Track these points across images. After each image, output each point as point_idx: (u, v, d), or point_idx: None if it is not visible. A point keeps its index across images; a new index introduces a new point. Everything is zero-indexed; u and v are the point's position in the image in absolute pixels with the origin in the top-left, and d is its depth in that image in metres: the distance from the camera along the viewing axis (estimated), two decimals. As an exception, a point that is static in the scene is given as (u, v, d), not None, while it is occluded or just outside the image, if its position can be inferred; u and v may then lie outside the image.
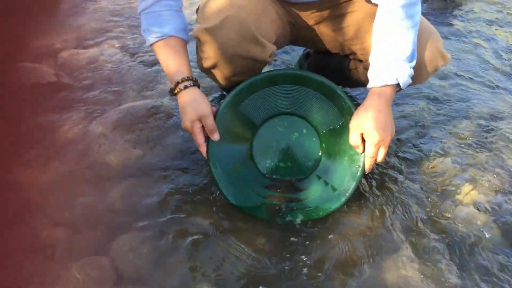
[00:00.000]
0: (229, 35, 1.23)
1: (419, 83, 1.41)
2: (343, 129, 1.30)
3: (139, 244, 1.20)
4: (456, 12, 2.27)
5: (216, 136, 1.27)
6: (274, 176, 1.34)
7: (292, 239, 1.23)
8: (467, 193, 1.40)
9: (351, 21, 1.40)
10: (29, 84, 1.59)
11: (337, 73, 1.59)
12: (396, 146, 1.54)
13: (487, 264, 1.20)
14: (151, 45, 1.33)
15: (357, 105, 1.29)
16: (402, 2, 1.22)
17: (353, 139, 1.24)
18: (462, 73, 1.90)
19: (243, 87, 1.32)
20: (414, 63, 1.23)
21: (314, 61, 1.73)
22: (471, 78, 1.88)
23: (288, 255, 1.19)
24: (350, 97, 1.36)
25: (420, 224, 1.29)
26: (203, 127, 1.26)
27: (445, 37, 2.07)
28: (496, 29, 2.16)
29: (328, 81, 1.33)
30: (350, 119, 1.25)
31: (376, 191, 1.38)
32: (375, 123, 1.20)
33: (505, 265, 1.22)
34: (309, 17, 1.47)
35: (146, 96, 1.66)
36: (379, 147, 1.22)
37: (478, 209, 1.35)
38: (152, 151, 1.45)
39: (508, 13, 2.28)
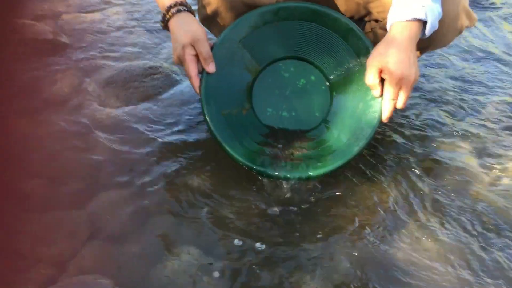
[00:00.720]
0: None
1: (442, 46, 1.28)
2: (359, 73, 1.13)
3: (121, 201, 1.10)
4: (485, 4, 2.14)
5: (211, 67, 1.11)
6: (276, 127, 1.19)
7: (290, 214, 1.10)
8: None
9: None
10: (24, 39, 1.51)
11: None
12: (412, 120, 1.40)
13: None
14: None
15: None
16: None
17: (370, 77, 1.06)
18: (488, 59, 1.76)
19: (246, 18, 1.15)
20: (440, 8, 1.07)
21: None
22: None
23: (283, 231, 1.07)
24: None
25: (428, 205, 1.15)
26: (196, 56, 1.10)
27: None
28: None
29: (344, 17, 1.17)
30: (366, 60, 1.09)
31: (384, 167, 1.24)
32: (397, 58, 1.02)
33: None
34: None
35: (146, 58, 1.56)
36: (400, 88, 1.05)
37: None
38: (145, 109, 1.34)
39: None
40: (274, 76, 1.20)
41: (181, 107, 1.37)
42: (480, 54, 1.77)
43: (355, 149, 1.10)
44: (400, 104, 1.06)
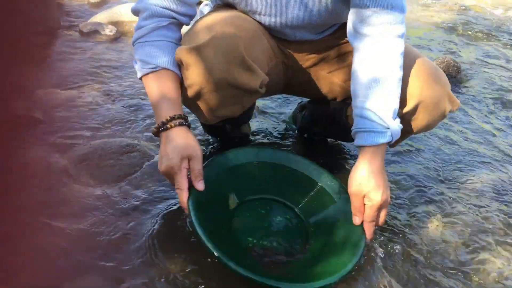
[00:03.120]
0: (215, 56, 1.08)
1: (426, 130, 1.27)
2: (334, 210, 1.20)
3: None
4: (455, 88, 2.21)
5: (200, 185, 1.08)
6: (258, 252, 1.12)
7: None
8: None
9: (351, 60, 1.29)
10: (-6, 114, 1.44)
11: (333, 123, 1.46)
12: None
13: None
14: (141, 77, 1.16)
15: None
16: (402, 49, 1.14)
17: (356, 203, 1.12)
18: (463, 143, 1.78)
19: (237, 151, 1.25)
20: (399, 121, 1.15)
21: (310, 112, 1.61)
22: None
23: None
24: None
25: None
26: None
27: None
28: (495, 109, 2.08)
29: (314, 163, 1.29)
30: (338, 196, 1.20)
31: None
32: (377, 186, 1.10)
33: None
34: (305, 58, 1.37)
35: (123, 135, 1.50)
36: (380, 210, 1.12)
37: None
38: (120, 190, 1.26)
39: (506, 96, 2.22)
40: (252, 210, 1.21)
41: (159, 187, 1.30)
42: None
43: (349, 266, 1.05)
44: (381, 222, 1.14)
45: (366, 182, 1.10)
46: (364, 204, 1.11)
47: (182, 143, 1.08)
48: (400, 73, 1.14)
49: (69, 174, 1.29)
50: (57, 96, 1.70)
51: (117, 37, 2.37)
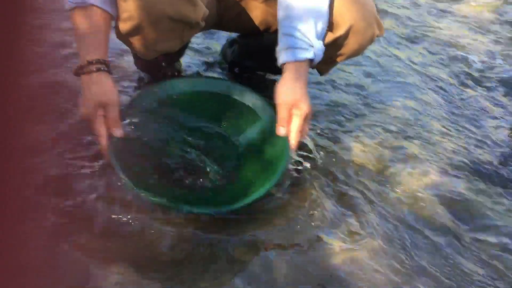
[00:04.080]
0: None
1: (356, 55, 1.32)
2: (256, 126, 1.23)
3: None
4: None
5: (118, 132, 1.07)
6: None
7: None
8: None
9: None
10: None
11: (265, 55, 1.47)
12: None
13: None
14: (69, 10, 1.10)
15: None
16: None
17: (284, 113, 1.13)
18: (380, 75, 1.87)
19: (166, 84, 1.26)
20: (322, 43, 1.18)
21: (239, 46, 1.61)
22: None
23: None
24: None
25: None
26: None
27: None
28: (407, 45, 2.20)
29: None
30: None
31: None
32: (305, 95, 1.14)
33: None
34: (237, -9, 1.36)
35: (47, 71, 1.41)
36: (305, 121, 1.14)
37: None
38: (47, 127, 1.21)
39: (420, 32, 2.34)
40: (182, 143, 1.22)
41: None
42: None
43: (267, 185, 1.09)
44: (305, 133, 1.16)
45: (295, 93, 1.13)
46: (291, 115, 1.14)
47: (97, 90, 1.06)
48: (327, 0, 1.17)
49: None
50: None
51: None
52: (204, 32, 1.80)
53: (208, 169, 1.17)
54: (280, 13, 1.20)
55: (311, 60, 1.17)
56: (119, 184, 1.07)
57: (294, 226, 1.10)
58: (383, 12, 2.36)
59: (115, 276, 0.92)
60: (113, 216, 1.04)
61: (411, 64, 1.99)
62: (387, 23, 2.31)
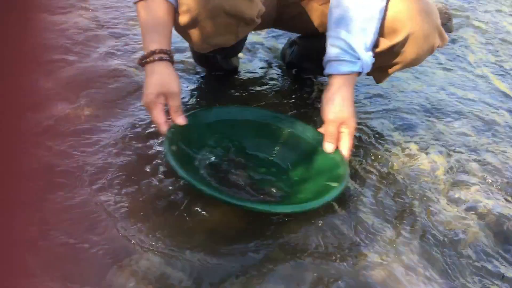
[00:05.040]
0: None
1: (414, 65, 1.28)
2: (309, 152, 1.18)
3: (72, 207, 1.00)
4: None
5: (181, 119, 1.10)
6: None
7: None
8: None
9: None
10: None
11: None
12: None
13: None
14: (134, 3, 1.14)
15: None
16: None
17: (333, 130, 1.14)
18: (452, 88, 1.79)
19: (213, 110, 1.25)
20: (372, 55, 1.18)
21: (299, 48, 1.60)
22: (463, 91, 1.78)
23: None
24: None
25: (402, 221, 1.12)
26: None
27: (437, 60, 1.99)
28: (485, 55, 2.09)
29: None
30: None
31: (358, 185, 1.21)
32: (353, 111, 1.15)
33: (495, 267, 1.06)
34: (298, -10, 1.35)
35: (110, 59, 1.49)
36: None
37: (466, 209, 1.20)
38: (106, 113, 1.26)
39: (497, 43, 2.23)
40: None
41: (141, 112, 1.30)
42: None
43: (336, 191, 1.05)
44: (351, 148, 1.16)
45: (344, 111, 1.14)
46: (339, 132, 1.14)
47: (159, 78, 1.09)
48: (379, 7, 1.15)
49: (57, 93, 1.29)
50: (44, 21, 1.66)
51: (106, -33, 2.29)
52: (265, 31, 1.82)
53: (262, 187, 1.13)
54: (329, 21, 1.20)
55: (359, 72, 1.16)
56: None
57: (332, 234, 1.08)
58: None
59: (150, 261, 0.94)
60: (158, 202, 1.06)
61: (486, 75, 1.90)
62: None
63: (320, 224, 1.07)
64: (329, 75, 1.19)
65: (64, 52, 1.48)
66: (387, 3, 1.17)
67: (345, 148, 1.14)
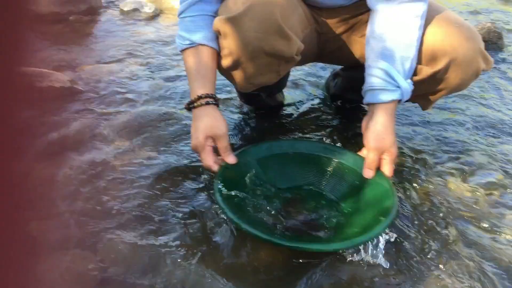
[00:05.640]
0: (252, 25, 1.10)
1: (460, 89, 1.26)
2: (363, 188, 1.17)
3: (131, 245, 1.05)
4: (497, 54, 2.15)
5: (231, 158, 1.15)
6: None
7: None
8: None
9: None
10: (40, 86, 1.53)
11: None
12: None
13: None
14: (181, 51, 1.23)
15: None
16: (419, 11, 1.15)
17: (375, 157, 1.15)
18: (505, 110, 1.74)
19: (264, 144, 1.27)
20: (411, 82, 1.19)
21: (342, 79, 1.62)
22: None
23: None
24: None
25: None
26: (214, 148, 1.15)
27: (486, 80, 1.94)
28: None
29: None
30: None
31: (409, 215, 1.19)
32: (392, 141, 1.16)
33: None
34: (338, 25, 1.38)
35: (160, 104, 1.56)
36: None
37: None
38: (159, 155, 1.32)
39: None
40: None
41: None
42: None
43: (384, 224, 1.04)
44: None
45: (387, 137, 1.15)
46: (381, 159, 1.15)
47: (207, 122, 1.15)
48: (416, 35, 1.15)
49: (112, 141, 1.36)
50: (99, 70, 1.78)
51: (156, 14, 2.43)
52: (309, 65, 1.85)
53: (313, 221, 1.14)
54: (367, 51, 1.21)
55: (399, 100, 1.17)
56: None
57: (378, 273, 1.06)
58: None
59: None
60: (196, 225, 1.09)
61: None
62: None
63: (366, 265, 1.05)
64: (369, 104, 1.21)
65: (117, 98, 1.58)
66: (424, 31, 1.17)
67: (388, 174, 1.15)
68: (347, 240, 1.04)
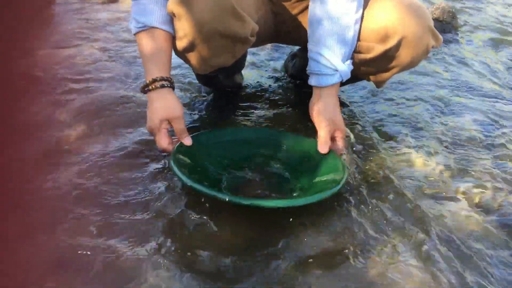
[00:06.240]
0: (205, 7, 1.10)
1: (411, 67, 1.29)
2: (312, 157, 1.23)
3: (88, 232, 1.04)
4: (452, 35, 2.21)
5: (187, 140, 1.18)
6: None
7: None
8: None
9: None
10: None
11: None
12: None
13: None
14: (134, 35, 1.23)
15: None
16: None
17: (328, 136, 1.22)
18: (458, 85, 1.80)
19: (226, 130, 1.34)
20: (350, 63, 1.26)
21: (300, 60, 1.64)
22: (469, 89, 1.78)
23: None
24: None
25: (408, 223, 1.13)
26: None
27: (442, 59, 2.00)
28: (490, 51, 2.09)
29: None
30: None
31: (363, 188, 1.23)
32: (341, 118, 1.26)
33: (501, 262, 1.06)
34: (293, 6, 1.39)
35: (118, 87, 1.55)
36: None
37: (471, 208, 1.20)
38: (116, 138, 1.32)
39: (503, 38, 2.22)
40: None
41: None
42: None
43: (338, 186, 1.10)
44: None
45: (337, 116, 1.24)
46: (333, 137, 1.23)
47: (161, 105, 1.16)
48: (353, 18, 1.21)
49: (68, 125, 1.35)
50: (56, 55, 1.75)
51: (114, -2, 2.39)
52: (267, 46, 1.86)
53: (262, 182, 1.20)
54: (308, 35, 1.27)
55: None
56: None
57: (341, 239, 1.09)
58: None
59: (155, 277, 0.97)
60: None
61: (490, 73, 1.90)
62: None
63: (328, 230, 1.09)
64: (313, 86, 1.27)
65: (74, 83, 1.56)
66: (375, 11, 1.20)
67: (339, 150, 1.24)
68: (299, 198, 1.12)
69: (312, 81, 1.27)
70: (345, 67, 1.23)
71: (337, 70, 1.23)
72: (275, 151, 1.28)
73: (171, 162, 1.10)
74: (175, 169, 1.07)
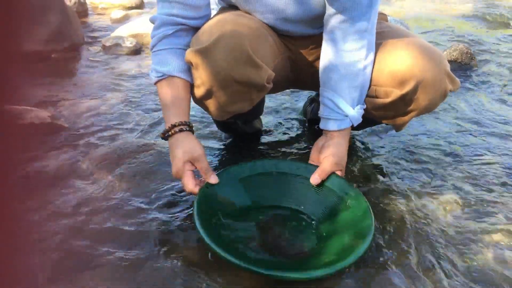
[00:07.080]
0: (222, 56, 1.13)
1: (429, 111, 1.29)
2: (342, 209, 1.19)
3: (116, 277, 1.05)
4: (469, 73, 2.21)
5: (213, 178, 1.18)
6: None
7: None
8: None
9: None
10: (20, 124, 1.54)
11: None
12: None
13: None
14: (155, 84, 1.27)
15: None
16: (364, 42, 1.24)
17: (328, 172, 1.24)
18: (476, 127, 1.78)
19: (248, 164, 1.28)
20: (361, 110, 1.28)
21: (318, 105, 1.64)
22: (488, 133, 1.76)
23: None
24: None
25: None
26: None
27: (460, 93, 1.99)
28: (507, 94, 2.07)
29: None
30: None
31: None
32: (345, 161, 1.28)
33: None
34: (310, 52, 1.42)
35: (140, 136, 1.58)
36: None
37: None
38: (139, 186, 1.33)
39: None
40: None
41: (174, 181, 1.36)
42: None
43: (364, 246, 1.04)
44: None
45: (344, 158, 1.27)
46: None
47: (183, 147, 1.18)
48: (363, 63, 1.24)
49: (91, 173, 1.37)
50: (81, 106, 1.80)
51: (137, 49, 2.47)
52: (286, 91, 1.88)
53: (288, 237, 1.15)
54: (320, 78, 1.30)
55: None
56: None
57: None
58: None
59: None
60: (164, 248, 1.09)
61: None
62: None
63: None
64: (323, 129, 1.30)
65: (97, 132, 1.59)
66: (391, 56, 1.22)
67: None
68: (326, 267, 1.01)
69: (321, 124, 1.30)
70: (355, 113, 1.26)
71: (347, 116, 1.25)
72: (306, 190, 1.25)
73: (194, 215, 1.06)
74: (197, 223, 1.04)
